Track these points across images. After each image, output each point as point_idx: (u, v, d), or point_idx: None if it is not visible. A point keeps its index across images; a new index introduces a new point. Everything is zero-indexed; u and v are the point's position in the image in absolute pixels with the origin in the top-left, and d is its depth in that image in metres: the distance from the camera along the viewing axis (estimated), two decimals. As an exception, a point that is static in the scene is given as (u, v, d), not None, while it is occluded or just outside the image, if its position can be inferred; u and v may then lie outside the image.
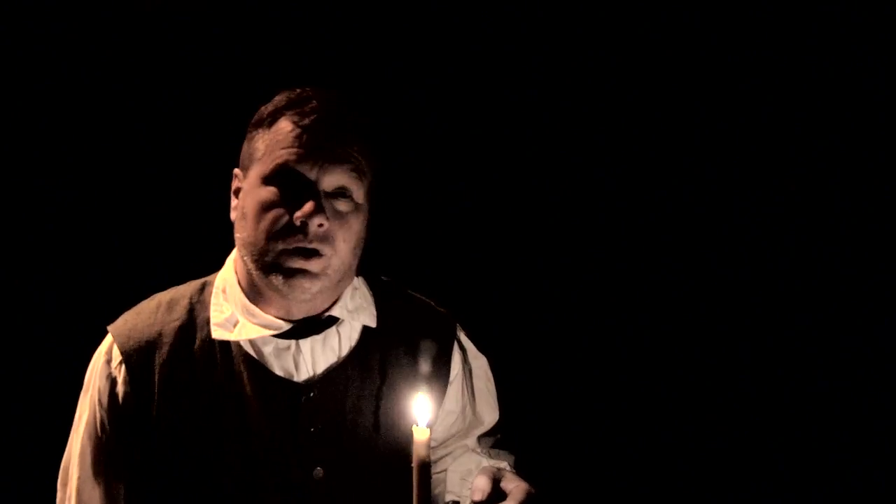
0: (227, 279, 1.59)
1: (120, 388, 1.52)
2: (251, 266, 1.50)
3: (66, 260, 2.23)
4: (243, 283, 1.57)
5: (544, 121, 2.36)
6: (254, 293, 1.55)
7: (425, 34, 2.32)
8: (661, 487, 2.37)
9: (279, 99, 1.54)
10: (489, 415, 1.76)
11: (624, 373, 2.37)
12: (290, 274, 1.46)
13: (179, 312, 1.56)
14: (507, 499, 1.40)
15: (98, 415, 1.54)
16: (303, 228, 1.44)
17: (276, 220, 1.46)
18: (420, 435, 1.31)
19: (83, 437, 1.55)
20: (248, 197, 1.51)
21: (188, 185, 2.19)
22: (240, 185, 1.55)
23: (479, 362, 1.75)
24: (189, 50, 2.21)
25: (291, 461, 1.53)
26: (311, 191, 1.46)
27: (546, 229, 2.39)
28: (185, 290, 1.61)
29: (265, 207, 1.47)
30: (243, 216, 1.51)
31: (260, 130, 1.52)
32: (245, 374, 1.52)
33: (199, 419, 1.51)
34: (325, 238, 1.46)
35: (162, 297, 1.61)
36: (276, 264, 1.46)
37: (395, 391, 1.61)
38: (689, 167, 2.36)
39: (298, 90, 1.54)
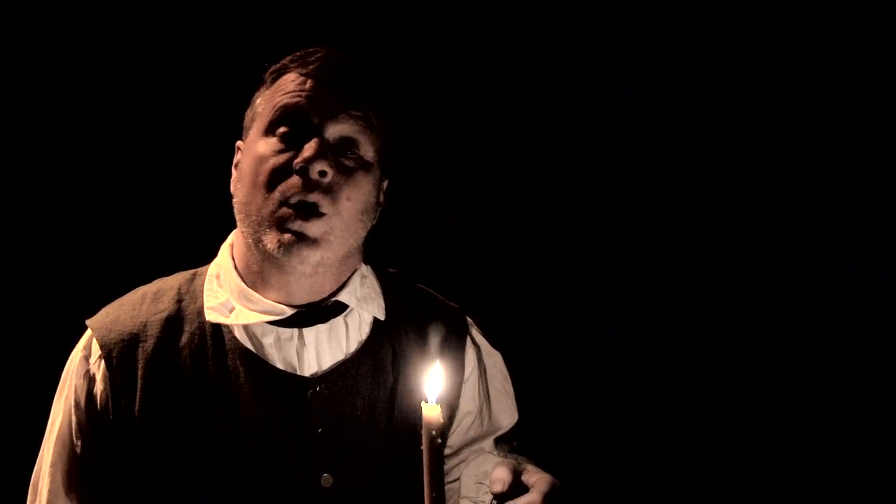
0: (222, 265, 1.46)
1: (99, 387, 1.37)
2: (247, 232, 1.38)
3: (41, 252, 2.06)
4: (240, 267, 1.44)
5: (564, 115, 2.27)
6: (252, 276, 1.42)
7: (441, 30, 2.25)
8: (686, 491, 2.20)
9: (285, 59, 1.44)
10: (507, 417, 1.61)
11: (651, 369, 2.22)
12: (286, 234, 1.32)
13: (166, 303, 1.43)
14: (531, 490, 1.24)
15: (74, 418, 1.38)
16: (303, 174, 1.32)
17: (274, 169, 1.34)
18: (430, 412, 1.17)
19: (55, 446, 1.39)
20: (246, 156, 1.40)
21: (173, 173, 2.06)
22: (240, 157, 1.45)
23: (494, 359, 1.61)
24: (175, 32, 2.11)
25: (296, 467, 1.37)
26: (312, 135, 1.34)
27: (560, 217, 2.27)
28: (172, 281, 1.48)
29: (263, 159, 1.36)
30: (240, 178, 1.40)
31: (262, 89, 1.44)
32: (242, 370, 1.37)
33: (190, 421, 1.35)
34: (328, 191, 1.33)
35: (147, 288, 1.48)
36: (270, 223, 1.33)
37: (409, 390, 1.46)
38: (705, 168, 2.27)
39: (306, 49, 1.44)
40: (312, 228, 1.33)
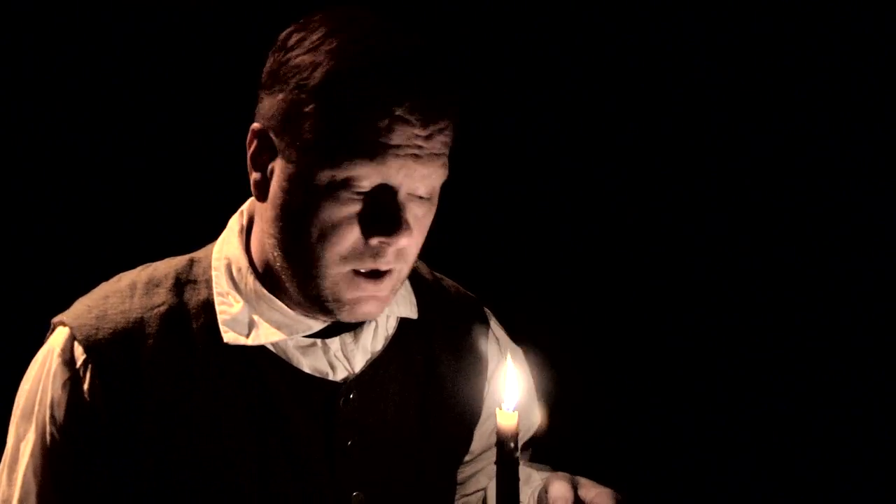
0: (234, 258, 1.22)
1: (86, 399, 1.13)
2: (289, 281, 1.16)
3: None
4: (258, 263, 1.21)
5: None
6: (272, 279, 1.19)
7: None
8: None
9: (330, 48, 1.08)
10: (530, 419, 1.47)
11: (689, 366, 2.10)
12: (356, 302, 1.15)
13: (164, 295, 1.19)
14: None
15: (49, 439, 1.13)
16: (379, 249, 1.12)
17: (340, 232, 1.10)
18: (506, 420, 1.02)
19: (25, 476, 1.14)
20: (298, 192, 1.11)
21: (154, 145, 1.77)
22: (271, 162, 1.14)
23: (515, 355, 1.47)
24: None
25: (324, 486, 1.19)
26: (392, 203, 1.10)
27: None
28: (165, 268, 1.23)
29: (323, 213, 1.09)
30: (290, 215, 1.12)
31: (304, 96, 1.08)
32: (265, 376, 1.18)
33: (204, 435, 1.15)
34: (401, 254, 1.15)
35: (134, 276, 1.22)
36: (338, 292, 1.13)
37: (441, 393, 1.32)
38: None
39: (362, 34, 1.09)
40: (384, 288, 1.15)
